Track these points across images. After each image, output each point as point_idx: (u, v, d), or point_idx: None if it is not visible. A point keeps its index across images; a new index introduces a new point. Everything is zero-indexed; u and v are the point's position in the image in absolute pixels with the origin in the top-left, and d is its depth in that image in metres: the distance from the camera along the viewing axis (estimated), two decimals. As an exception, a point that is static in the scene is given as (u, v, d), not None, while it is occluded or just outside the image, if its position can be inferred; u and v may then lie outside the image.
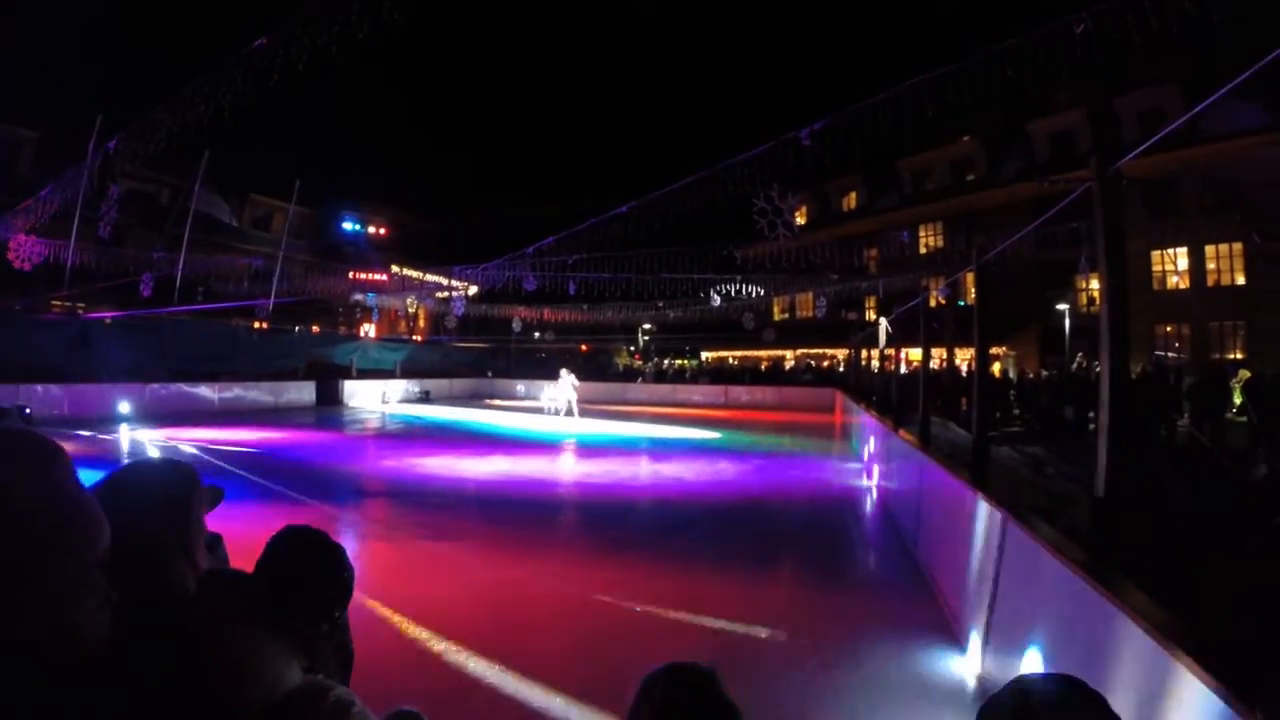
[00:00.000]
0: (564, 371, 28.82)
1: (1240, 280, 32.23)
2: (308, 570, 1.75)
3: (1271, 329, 29.35)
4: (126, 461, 1.74)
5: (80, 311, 30.79)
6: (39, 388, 22.14)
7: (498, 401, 39.64)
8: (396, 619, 6.24)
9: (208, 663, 1.35)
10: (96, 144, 17.45)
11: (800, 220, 47.93)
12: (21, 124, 35.45)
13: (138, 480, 1.69)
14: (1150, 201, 31.94)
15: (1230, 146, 29.77)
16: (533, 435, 22.75)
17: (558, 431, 23.68)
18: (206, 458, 15.31)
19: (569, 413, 27.95)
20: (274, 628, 1.51)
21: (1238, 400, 18.89)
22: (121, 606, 1.25)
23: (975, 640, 5.32)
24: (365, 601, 6.50)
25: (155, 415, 24.31)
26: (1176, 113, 29.90)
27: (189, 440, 18.48)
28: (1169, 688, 2.53)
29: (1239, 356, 30.53)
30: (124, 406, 24.00)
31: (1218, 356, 30.84)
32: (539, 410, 31.51)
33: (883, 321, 16.33)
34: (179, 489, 1.70)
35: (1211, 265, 33.04)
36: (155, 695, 1.25)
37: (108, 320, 27.41)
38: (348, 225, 55.22)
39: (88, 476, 1.43)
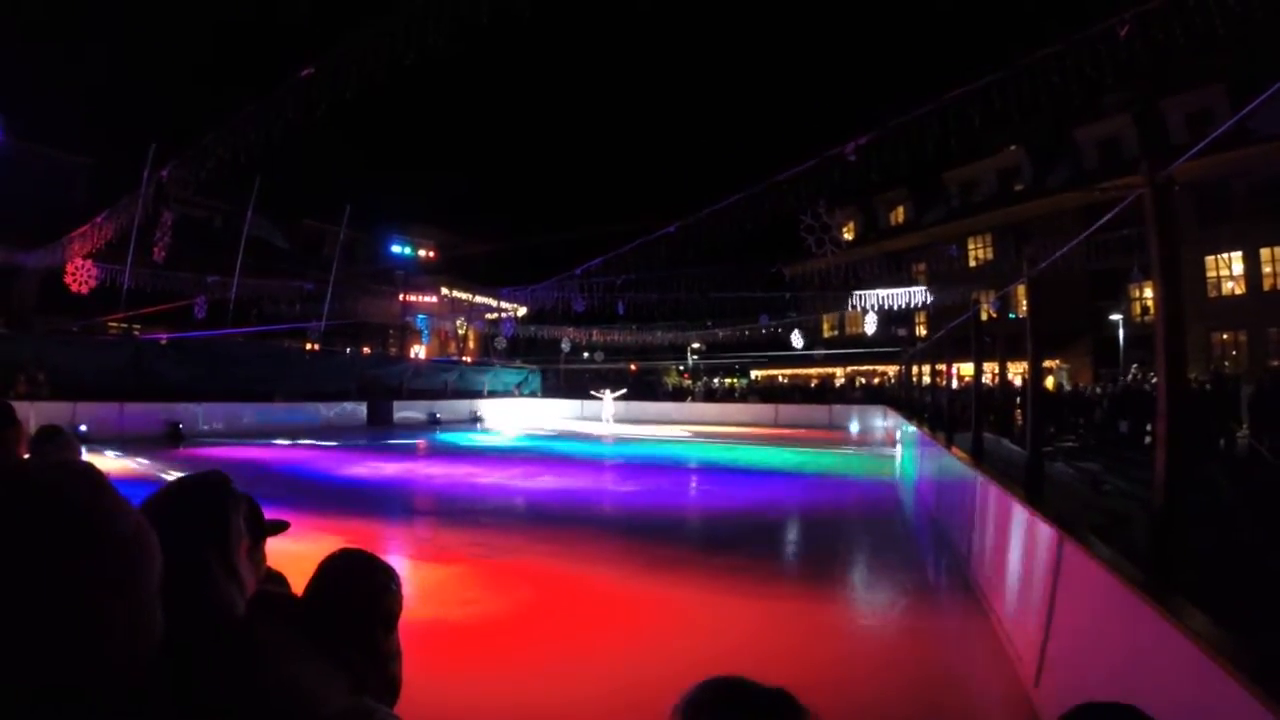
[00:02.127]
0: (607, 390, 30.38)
1: (1299, 282, 31.41)
2: (355, 593, 1.73)
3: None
4: (163, 482, 1.74)
5: (136, 333, 31.48)
6: (95, 407, 22.60)
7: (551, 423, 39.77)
8: (445, 638, 6.23)
9: (254, 686, 1.35)
10: (150, 171, 17.86)
11: (848, 236, 47.70)
12: (76, 151, 36.43)
13: (175, 500, 1.69)
14: (1202, 205, 31.25)
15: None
16: (583, 452, 22.83)
17: (608, 450, 23.77)
18: (256, 476, 15.52)
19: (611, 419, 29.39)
20: (320, 651, 1.54)
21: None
22: (169, 630, 1.24)
23: (1031, 663, 5.19)
24: (413, 619, 6.51)
25: (209, 434, 24.74)
26: (1224, 113, 29.32)
27: (242, 460, 18.75)
28: (1230, 713, 2.43)
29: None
30: (179, 425, 24.43)
31: (1277, 364, 30.03)
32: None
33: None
34: (217, 507, 1.70)
35: (1268, 269, 32.14)
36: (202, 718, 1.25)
37: (163, 341, 27.96)
38: (397, 248, 55.94)
39: (134, 496, 1.43)
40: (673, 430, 33.72)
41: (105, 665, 1.09)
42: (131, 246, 23.12)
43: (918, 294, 33.85)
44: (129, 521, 1.16)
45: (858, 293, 31.62)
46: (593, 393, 31.41)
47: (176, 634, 1.26)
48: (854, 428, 34.78)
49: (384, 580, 1.78)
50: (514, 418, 40.45)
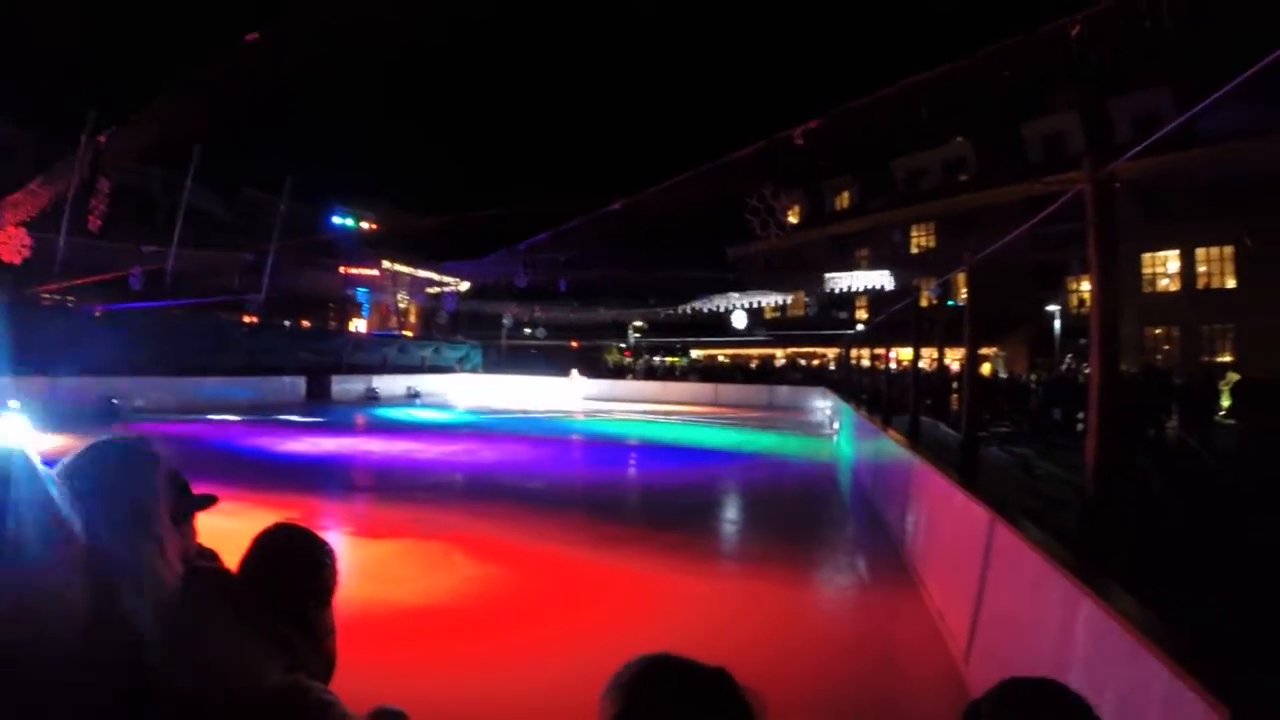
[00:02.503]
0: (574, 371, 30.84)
1: (1230, 283, 32.38)
2: (290, 569, 1.70)
3: (1261, 332, 29.49)
4: (83, 447, 1.71)
5: (70, 304, 30.67)
6: (29, 380, 21.97)
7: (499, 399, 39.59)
8: (382, 615, 6.21)
9: (186, 661, 1.34)
10: (88, 137, 17.36)
11: (793, 219, 47.99)
12: (15, 120, 35.27)
13: (93, 462, 1.66)
14: (1142, 204, 32.09)
15: (1222, 150, 29.84)
16: (523, 429, 22.80)
17: (548, 426, 23.76)
18: (192, 452, 15.28)
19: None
20: (255, 626, 1.52)
21: (1226, 403, 18.96)
22: (90, 594, 1.23)
23: (962, 640, 5.32)
24: (351, 598, 6.48)
25: (145, 409, 24.20)
26: (1170, 116, 29.95)
27: (178, 435, 18.42)
28: (1154, 690, 2.53)
29: (1229, 359, 30.68)
30: (114, 400, 23.87)
31: (1207, 359, 30.98)
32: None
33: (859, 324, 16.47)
34: (135, 466, 1.67)
35: (1202, 268, 33.21)
36: (132, 692, 1.24)
37: (97, 313, 27.27)
38: (339, 220, 55.03)
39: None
40: (613, 407, 33.84)
41: (27, 634, 1.08)
42: (67, 214, 22.45)
43: (859, 278, 34.35)
44: (48, 511, 1.15)
45: (803, 275, 32.02)
46: (570, 374, 31.97)
47: (100, 601, 1.25)
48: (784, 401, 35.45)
49: (319, 556, 1.76)
50: (455, 393, 40.20)
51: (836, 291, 33.61)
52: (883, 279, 35.93)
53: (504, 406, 32.99)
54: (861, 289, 34.37)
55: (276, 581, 1.67)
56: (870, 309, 39.08)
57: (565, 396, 34.14)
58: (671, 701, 1.15)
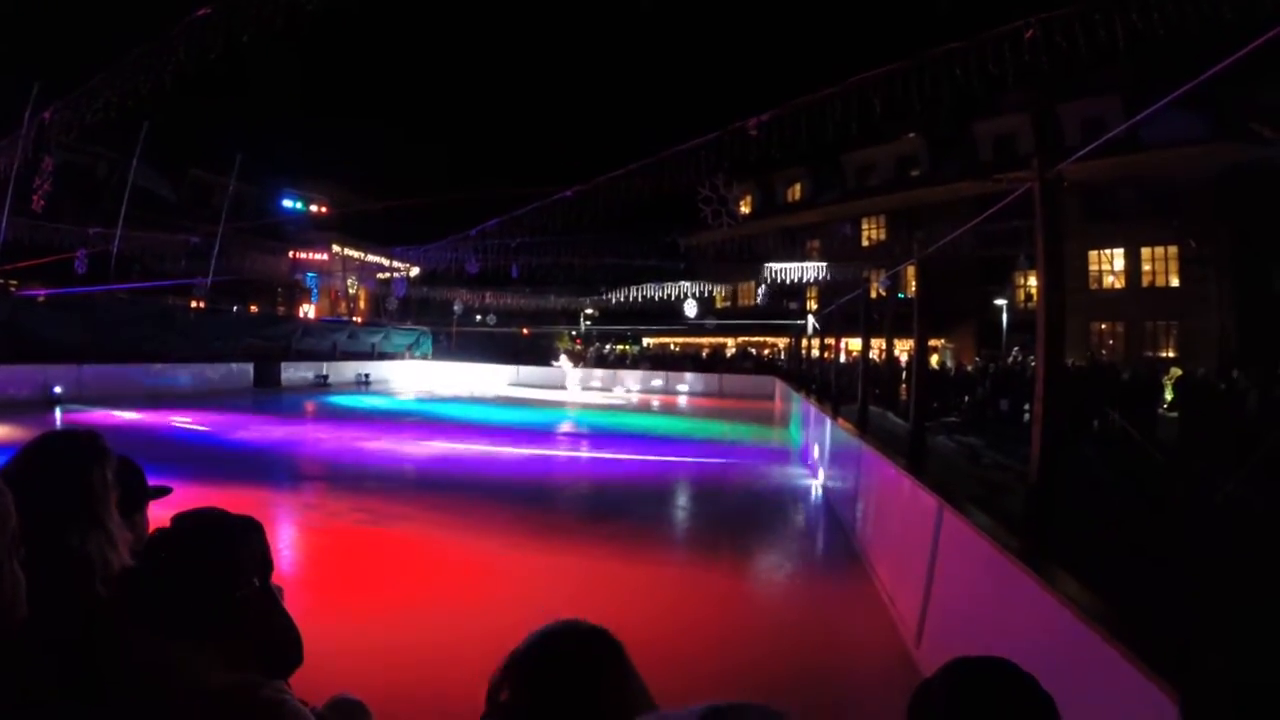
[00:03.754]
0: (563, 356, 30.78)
1: (1174, 282, 33.21)
2: (198, 563, 1.58)
3: (1200, 329, 30.42)
4: (31, 439, 1.72)
5: (11, 289, 29.89)
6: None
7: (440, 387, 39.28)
8: (335, 606, 6.21)
9: (119, 668, 1.35)
10: (32, 113, 16.89)
11: (745, 210, 48.12)
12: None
13: (41, 454, 1.66)
14: (1089, 205, 32.90)
15: (1167, 155, 30.55)
16: (472, 417, 22.71)
17: (497, 414, 23.70)
18: (140, 441, 15.06)
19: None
20: (182, 632, 1.46)
21: (1169, 396, 19.49)
22: (35, 585, 1.24)
23: (912, 624, 5.44)
24: (304, 589, 6.49)
25: (89, 397, 23.67)
26: (1117, 122, 30.31)
27: (124, 423, 18.12)
28: (1098, 671, 2.64)
29: (1171, 355, 31.56)
30: (57, 388, 23.35)
31: (1151, 354, 31.77)
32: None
33: (810, 320, 16.63)
34: (82, 458, 1.68)
35: (1147, 267, 34.02)
36: (68, 698, 1.25)
37: (40, 298, 26.60)
38: (288, 203, 54.13)
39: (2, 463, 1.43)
40: (563, 395, 33.86)
41: None
42: (9, 194, 21.82)
43: (810, 269, 34.55)
44: None
45: (754, 266, 32.14)
46: (554, 363, 31.63)
47: (44, 596, 1.26)
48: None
49: (227, 545, 1.64)
50: (405, 380, 39.89)
51: (774, 281, 33.84)
52: (820, 270, 36.24)
53: (453, 393, 32.83)
54: (805, 280, 34.62)
55: (189, 578, 1.57)
56: (820, 300, 39.36)
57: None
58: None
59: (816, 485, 12.64)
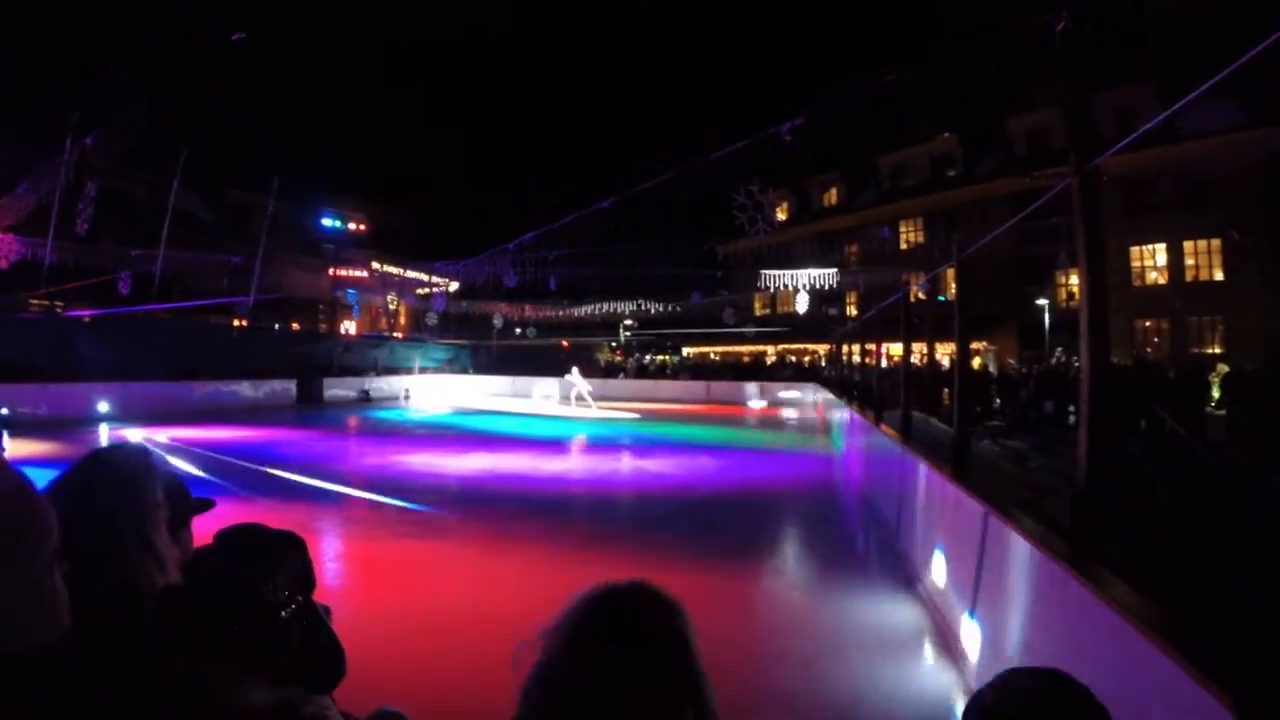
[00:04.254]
0: (574, 370, 29.65)
1: (1218, 276, 32.52)
2: (235, 582, 1.57)
3: (1248, 324, 29.70)
4: (83, 454, 1.71)
5: (58, 310, 30.51)
6: (16, 388, 21.83)
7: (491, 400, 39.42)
8: (381, 618, 6.22)
9: (165, 693, 1.33)
10: (73, 141, 17.26)
11: (781, 216, 48.00)
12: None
13: (89, 472, 1.65)
14: (1128, 198, 32.28)
15: (1204, 144, 30.03)
16: (516, 432, 22.74)
17: (539, 428, 23.71)
18: (185, 458, 15.23)
19: (581, 399, 28.54)
20: (226, 652, 1.45)
21: (1216, 394, 19.08)
22: (82, 605, 1.21)
23: (959, 633, 5.35)
24: (348, 601, 6.50)
25: (134, 414, 24.09)
26: (1151, 111, 30.05)
27: (168, 440, 18.36)
28: (1151, 679, 2.56)
29: (1217, 351, 30.85)
30: (103, 405, 23.77)
31: (1197, 351, 31.15)
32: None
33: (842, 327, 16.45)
34: (132, 478, 1.66)
35: (1190, 261, 33.38)
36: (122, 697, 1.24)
37: (86, 319, 27.11)
38: (327, 221, 54.83)
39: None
40: (604, 406, 33.83)
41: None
42: (53, 219, 22.35)
43: (848, 275, 34.38)
44: (8, 491, 1.13)
45: (790, 272, 31.92)
46: (567, 376, 31.05)
47: (88, 616, 1.24)
48: (754, 404, 35.60)
49: (255, 563, 1.62)
50: (445, 394, 40.08)
51: (813, 287, 33.64)
52: (858, 276, 36.02)
53: (491, 407, 32.91)
54: (843, 285, 34.39)
55: (229, 598, 1.56)
56: (860, 304, 39.12)
57: (562, 397, 33.15)
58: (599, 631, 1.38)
59: (859, 492, 12.52)
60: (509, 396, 39.71)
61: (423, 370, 42.80)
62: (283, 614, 1.57)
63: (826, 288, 35.65)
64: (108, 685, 1.25)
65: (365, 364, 39.18)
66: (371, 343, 42.37)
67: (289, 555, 1.67)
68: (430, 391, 40.08)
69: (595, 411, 27.64)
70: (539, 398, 36.83)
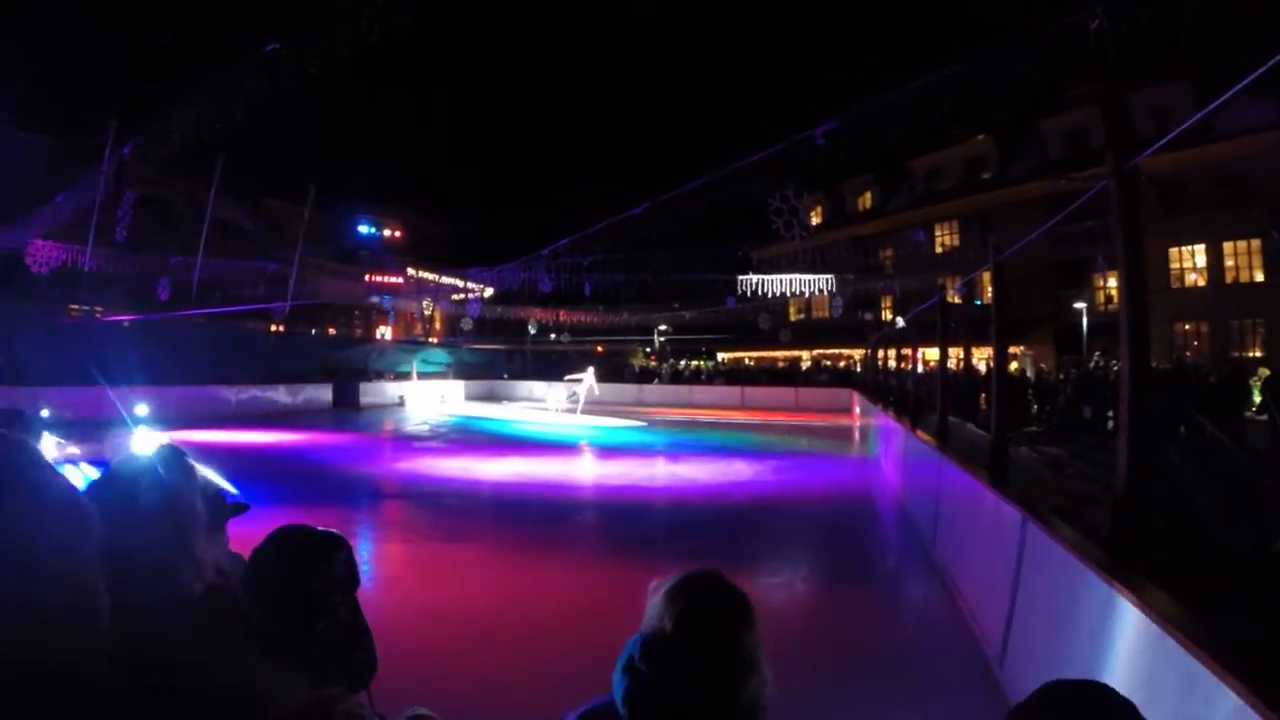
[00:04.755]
0: (590, 369, 28.79)
1: (1259, 277, 31.82)
2: (284, 582, 1.64)
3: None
4: (120, 459, 1.71)
5: (98, 315, 30.99)
6: (57, 391, 22.17)
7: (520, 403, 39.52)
8: (414, 620, 6.24)
9: (208, 690, 1.34)
10: (111, 149, 17.53)
11: (815, 220, 47.80)
12: (34, 129, 35.58)
13: (128, 478, 1.65)
14: (1165, 198, 31.72)
15: (1242, 143, 29.50)
16: (551, 437, 22.77)
17: (575, 433, 23.72)
18: (221, 462, 15.39)
19: (574, 402, 27.49)
20: (271, 649, 1.50)
21: (1258, 399, 18.72)
22: (121, 610, 1.22)
23: (996, 642, 5.28)
24: (383, 602, 6.53)
25: (172, 418, 24.42)
26: (1188, 110, 29.57)
27: (206, 443, 18.56)
28: (1193, 689, 2.50)
29: (1258, 354, 30.23)
30: (141, 409, 24.06)
31: (1237, 354, 30.55)
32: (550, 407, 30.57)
33: (899, 320, 16.27)
34: (171, 483, 1.65)
35: (1230, 262, 32.70)
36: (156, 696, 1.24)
37: (125, 324, 27.52)
38: (363, 228, 55.30)
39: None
40: (639, 411, 33.80)
41: (33, 643, 1.06)
42: (93, 227, 22.74)
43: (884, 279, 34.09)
44: (57, 495, 1.14)
45: (824, 276, 31.70)
46: (568, 378, 29.73)
47: (127, 621, 1.24)
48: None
49: (309, 563, 1.68)
50: (478, 400, 40.21)
51: (848, 291, 33.42)
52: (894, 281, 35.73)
53: (529, 415, 32.98)
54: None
55: (281, 586, 1.63)
56: (895, 309, 38.86)
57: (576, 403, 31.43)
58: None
59: (894, 498, 12.42)
60: (491, 402, 40.02)
61: (457, 375, 43.04)
62: (334, 612, 1.64)
63: (861, 292, 35.51)
64: (150, 689, 1.24)
65: (401, 369, 39.52)
66: (407, 348, 42.69)
67: (340, 556, 1.72)
68: (465, 396, 40.24)
69: (577, 418, 26.66)
70: (519, 406, 36.79)
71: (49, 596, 1.08)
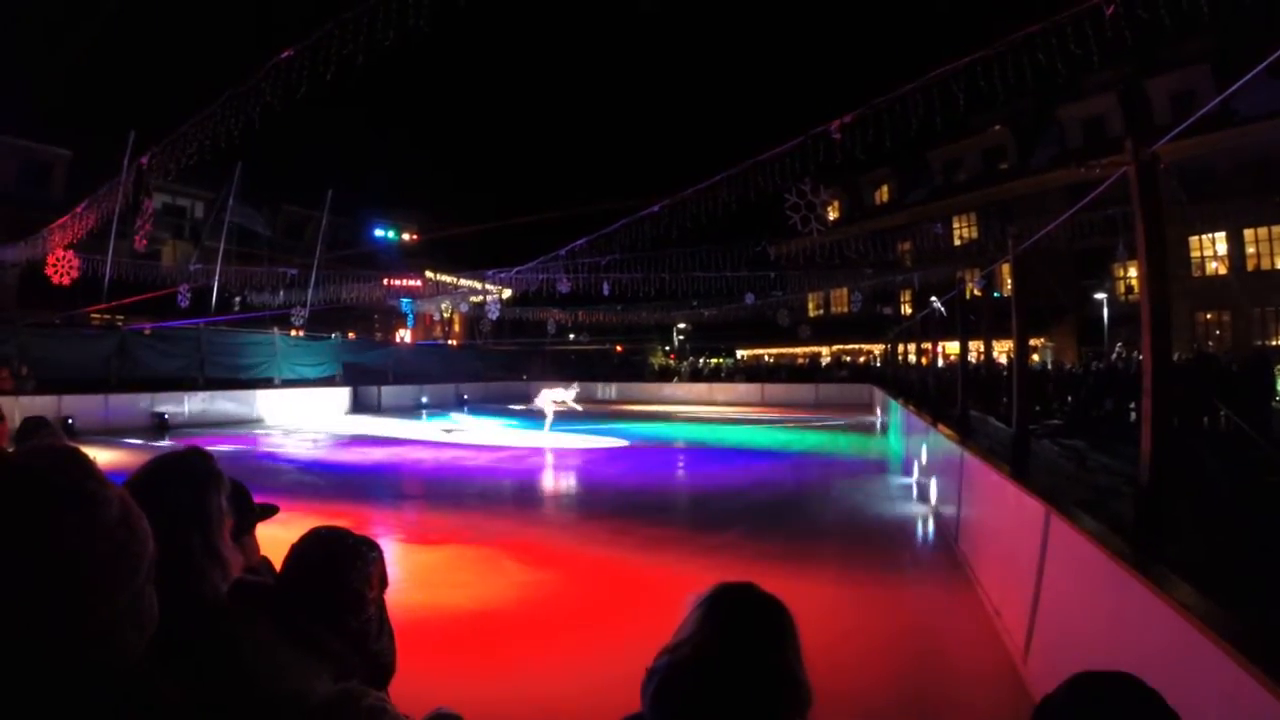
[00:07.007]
0: (575, 385, 24.45)
1: (1280, 264, 31.55)
2: (320, 579, 1.67)
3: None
4: (146, 463, 1.71)
5: (119, 323, 31.23)
6: (80, 399, 22.41)
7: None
8: (436, 620, 6.25)
9: (234, 681, 1.35)
10: (130, 159, 17.68)
11: (832, 215, 47.65)
12: (54, 143, 35.96)
13: (153, 480, 1.66)
14: (1186, 186, 31.39)
15: (1264, 127, 29.10)
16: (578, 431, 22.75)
17: (593, 430, 23.65)
18: (245, 465, 15.48)
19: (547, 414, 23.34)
20: (301, 640, 1.52)
21: (1280, 387, 18.55)
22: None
23: (1020, 636, 5.24)
24: (405, 603, 6.54)
25: (195, 423, 24.65)
26: (1208, 94, 29.31)
27: (228, 448, 18.69)
28: (1216, 681, 2.47)
29: (1281, 343, 29.94)
30: (165, 414, 24.27)
31: (1260, 343, 30.20)
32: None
33: (935, 301, 16.09)
34: (196, 486, 1.67)
35: (1251, 249, 32.31)
36: (184, 711, 1.24)
37: (146, 331, 27.74)
38: (380, 232, 55.48)
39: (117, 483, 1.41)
40: (659, 410, 33.79)
41: (99, 652, 1.06)
42: (112, 236, 22.97)
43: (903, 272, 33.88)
44: (115, 505, 1.13)
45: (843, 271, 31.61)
46: (545, 391, 23.78)
47: (161, 621, 1.24)
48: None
49: (348, 560, 1.72)
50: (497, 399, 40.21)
51: (867, 285, 33.36)
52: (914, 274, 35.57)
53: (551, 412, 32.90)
54: (898, 282, 33.88)
55: (310, 593, 1.64)
56: (915, 302, 38.68)
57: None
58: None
59: (917, 494, 12.36)
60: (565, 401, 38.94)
61: (475, 377, 43.17)
62: (365, 609, 1.69)
63: (880, 286, 35.42)
64: (184, 686, 1.26)
65: (422, 371, 39.68)
66: (427, 351, 42.80)
67: (374, 558, 1.76)
68: (483, 397, 40.24)
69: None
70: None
71: (100, 611, 1.08)
